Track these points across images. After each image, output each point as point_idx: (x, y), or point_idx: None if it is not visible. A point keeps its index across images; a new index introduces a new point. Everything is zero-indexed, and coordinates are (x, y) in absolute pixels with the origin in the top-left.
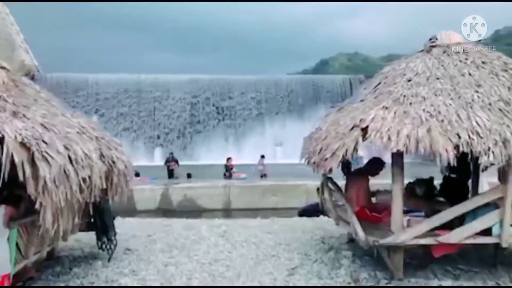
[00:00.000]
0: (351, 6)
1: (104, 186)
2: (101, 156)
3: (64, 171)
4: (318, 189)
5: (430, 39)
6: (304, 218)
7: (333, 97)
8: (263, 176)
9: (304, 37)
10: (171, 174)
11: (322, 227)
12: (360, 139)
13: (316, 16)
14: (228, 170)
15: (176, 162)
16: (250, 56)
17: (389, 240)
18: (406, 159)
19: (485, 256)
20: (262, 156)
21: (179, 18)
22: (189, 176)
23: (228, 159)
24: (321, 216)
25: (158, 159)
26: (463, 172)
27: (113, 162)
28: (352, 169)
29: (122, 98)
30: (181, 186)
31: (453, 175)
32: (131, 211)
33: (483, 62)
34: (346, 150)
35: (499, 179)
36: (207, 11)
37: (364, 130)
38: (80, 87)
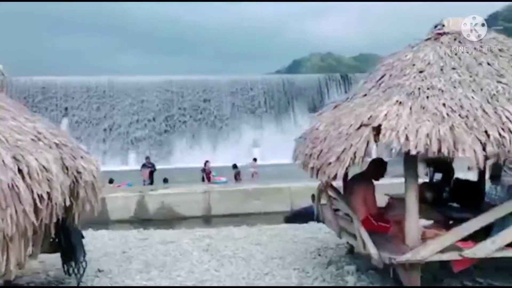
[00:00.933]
0: (321, 7)
1: (68, 203)
2: (64, 167)
3: (13, 188)
4: (313, 196)
5: (435, 26)
6: (294, 226)
7: (309, 97)
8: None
9: (276, 38)
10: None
11: (315, 237)
12: (372, 139)
13: (286, 17)
14: (206, 174)
15: (153, 166)
16: (222, 57)
17: (408, 257)
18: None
19: (503, 267)
20: (255, 159)
21: (150, 19)
22: (165, 181)
23: (206, 162)
24: (310, 222)
25: (132, 162)
26: (447, 172)
27: (79, 173)
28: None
29: (93, 100)
30: (157, 193)
31: (438, 175)
32: (103, 222)
33: (500, 50)
34: (355, 153)
35: None
36: (177, 12)
37: (376, 129)
38: (48, 90)
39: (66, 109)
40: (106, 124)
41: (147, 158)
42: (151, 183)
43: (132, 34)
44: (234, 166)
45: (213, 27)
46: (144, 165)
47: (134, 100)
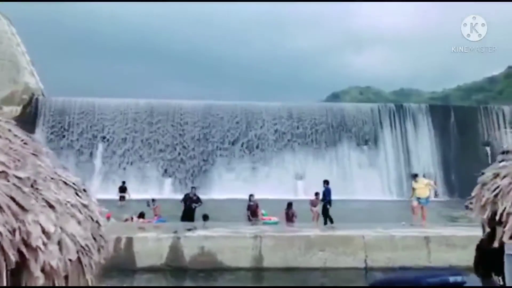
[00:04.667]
0: (361, 39)
1: None
2: None
3: None
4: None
5: None
6: None
7: (360, 129)
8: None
9: (315, 70)
10: (190, 215)
11: None
12: None
13: (326, 49)
14: (252, 211)
15: (199, 200)
16: (260, 89)
17: None
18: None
19: None
20: (317, 194)
21: (185, 49)
22: (205, 218)
23: (251, 196)
24: None
25: (168, 191)
26: None
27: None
28: None
29: (131, 123)
30: (197, 235)
31: None
32: (129, 268)
33: None
34: None
35: None
36: (207, 45)
37: None
38: (86, 111)
39: (102, 129)
40: (143, 148)
41: (193, 188)
42: (190, 219)
43: (169, 62)
44: (289, 205)
45: (250, 58)
46: (187, 197)
47: (174, 124)
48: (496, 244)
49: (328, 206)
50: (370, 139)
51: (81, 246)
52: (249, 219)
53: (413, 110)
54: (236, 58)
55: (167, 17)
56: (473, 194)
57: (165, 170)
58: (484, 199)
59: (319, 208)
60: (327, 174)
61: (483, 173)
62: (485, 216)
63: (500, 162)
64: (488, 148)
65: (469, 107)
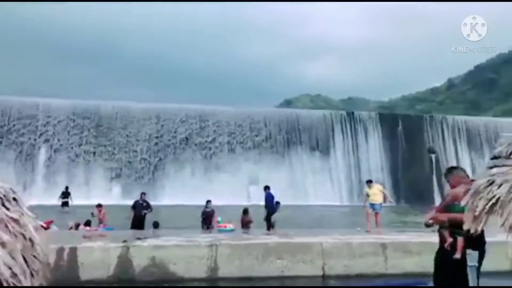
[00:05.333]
0: (313, 49)
1: None
2: None
3: None
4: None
5: None
6: None
7: (313, 134)
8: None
9: (268, 77)
10: (140, 222)
11: None
12: None
13: (278, 58)
14: (207, 218)
15: (149, 206)
16: (212, 94)
17: None
18: None
19: None
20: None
21: (139, 55)
22: (156, 225)
23: (208, 202)
24: None
25: (116, 196)
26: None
27: None
28: None
29: (77, 125)
30: (147, 244)
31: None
32: (72, 282)
33: None
34: None
35: None
36: (164, 50)
37: None
38: (28, 111)
39: (47, 131)
40: (89, 150)
41: (143, 194)
42: (141, 227)
43: (124, 67)
44: (245, 211)
45: (205, 63)
46: (136, 204)
47: (123, 127)
48: (458, 255)
49: (270, 212)
50: (322, 145)
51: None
52: (204, 227)
53: (364, 118)
54: (190, 62)
55: (122, 22)
56: (463, 203)
57: (113, 175)
58: (478, 210)
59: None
60: (280, 180)
61: (473, 181)
62: (479, 228)
63: (491, 168)
64: (433, 156)
65: (416, 116)
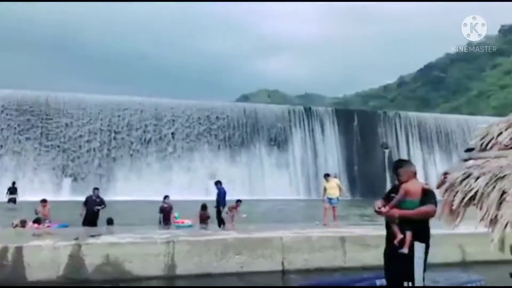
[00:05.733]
0: (270, 44)
1: None
2: None
3: None
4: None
5: None
6: None
7: (271, 129)
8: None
9: (226, 72)
10: (93, 219)
11: None
12: None
13: (236, 52)
14: (165, 214)
15: (102, 202)
16: (171, 89)
17: None
18: None
19: None
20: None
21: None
22: (110, 222)
23: (166, 197)
24: None
25: (67, 192)
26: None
27: None
28: None
29: (23, 116)
30: (101, 242)
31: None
32: (17, 283)
33: None
34: None
35: None
36: (120, 43)
37: None
38: None
39: None
40: (36, 145)
41: (96, 189)
42: (94, 224)
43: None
44: (204, 207)
45: (164, 58)
46: (89, 199)
47: (74, 119)
48: (405, 250)
49: (221, 208)
50: (280, 140)
51: None
52: (162, 223)
53: (320, 113)
54: (148, 56)
55: (82, 14)
56: (440, 194)
57: (64, 169)
58: (456, 203)
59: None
60: (239, 174)
61: (446, 173)
62: (456, 223)
63: (466, 160)
64: (386, 151)
65: (371, 111)
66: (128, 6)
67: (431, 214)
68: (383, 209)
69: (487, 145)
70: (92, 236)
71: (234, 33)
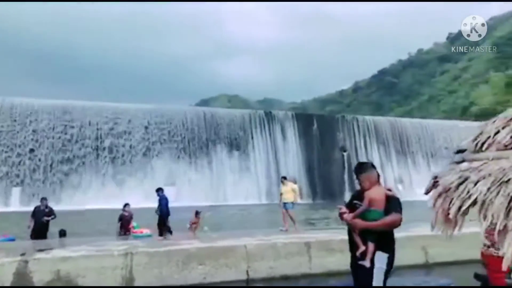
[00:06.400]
0: (230, 48)
1: None
2: None
3: None
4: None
5: None
6: None
7: (231, 134)
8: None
9: (184, 76)
10: (42, 231)
11: None
12: None
13: (195, 55)
14: (124, 223)
15: (52, 212)
16: (127, 92)
17: None
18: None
19: None
20: (198, 212)
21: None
22: (62, 234)
23: (126, 205)
24: None
25: (16, 203)
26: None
27: None
28: None
29: None
30: (51, 257)
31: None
32: None
33: None
34: None
35: None
36: (73, 40)
37: None
38: None
39: None
40: None
41: (44, 199)
42: (43, 237)
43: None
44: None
45: (119, 60)
46: (37, 210)
47: (23, 125)
48: (367, 264)
49: (164, 216)
50: (241, 145)
51: None
52: (121, 233)
53: (281, 118)
54: (104, 59)
55: (31, 15)
56: (434, 203)
57: (12, 179)
58: (453, 211)
59: (200, 222)
60: (199, 180)
61: (436, 178)
62: (455, 232)
63: (458, 163)
64: (345, 154)
65: (329, 116)
66: (81, 7)
67: (396, 224)
68: (345, 216)
69: (482, 145)
70: (41, 250)
71: (194, 35)
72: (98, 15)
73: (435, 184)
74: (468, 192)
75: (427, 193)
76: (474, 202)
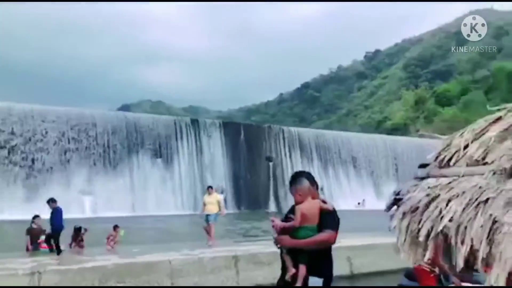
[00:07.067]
0: (153, 53)
1: None
2: None
3: None
4: None
5: None
6: None
7: (155, 140)
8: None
9: (104, 79)
10: None
11: None
12: None
13: (115, 59)
14: (33, 237)
15: None
16: (40, 95)
17: None
18: None
19: None
20: (116, 226)
21: None
22: None
23: (35, 217)
24: None
25: None
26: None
27: None
28: None
29: None
30: None
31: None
32: None
33: None
34: None
35: None
36: None
37: None
38: None
39: None
40: None
41: None
42: None
43: None
44: (78, 230)
45: (30, 65)
46: None
47: None
48: (299, 283)
49: (56, 231)
50: (165, 153)
51: None
52: (30, 248)
53: (208, 126)
54: (16, 59)
55: None
56: (393, 225)
57: None
58: (422, 234)
59: (118, 236)
60: (119, 189)
61: (398, 194)
62: (426, 259)
63: (423, 178)
64: (270, 163)
65: (256, 125)
66: None
67: (330, 242)
68: (275, 229)
69: (449, 160)
70: None
71: (117, 39)
72: (10, 16)
73: (396, 201)
74: (440, 212)
75: (387, 210)
76: (447, 224)
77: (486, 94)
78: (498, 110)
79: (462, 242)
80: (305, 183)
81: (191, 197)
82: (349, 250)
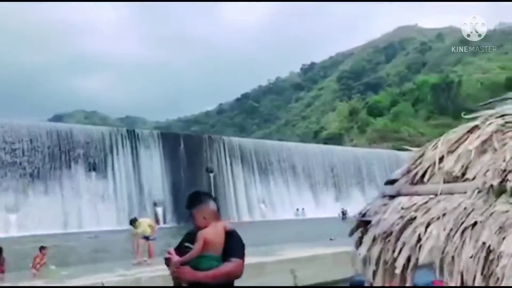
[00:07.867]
0: (89, 63)
1: None
2: None
3: None
4: None
5: None
6: None
7: (89, 153)
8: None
9: (33, 89)
10: None
11: None
12: None
13: (46, 68)
14: None
15: None
16: None
17: None
18: None
19: None
20: (43, 248)
21: None
22: None
23: None
24: None
25: None
26: None
27: None
28: None
29: None
30: None
31: None
32: None
33: None
34: None
35: None
36: None
37: None
38: None
39: None
40: None
41: None
42: None
43: None
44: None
45: None
46: None
47: None
48: None
49: None
50: (99, 165)
51: None
52: None
53: (145, 136)
54: None
55: None
56: (362, 253)
57: None
58: (399, 264)
59: (45, 258)
60: (50, 205)
61: (363, 216)
62: None
63: (392, 197)
64: (211, 174)
65: (196, 136)
66: None
67: (236, 275)
68: (173, 261)
69: (423, 175)
70: None
71: (47, 47)
72: None
73: (362, 224)
74: (419, 238)
75: (351, 235)
76: (428, 254)
77: (413, 106)
78: (473, 118)
79: (450, 276)
80: (212, 204)
81: (128, 212)
82: (292, 262)
